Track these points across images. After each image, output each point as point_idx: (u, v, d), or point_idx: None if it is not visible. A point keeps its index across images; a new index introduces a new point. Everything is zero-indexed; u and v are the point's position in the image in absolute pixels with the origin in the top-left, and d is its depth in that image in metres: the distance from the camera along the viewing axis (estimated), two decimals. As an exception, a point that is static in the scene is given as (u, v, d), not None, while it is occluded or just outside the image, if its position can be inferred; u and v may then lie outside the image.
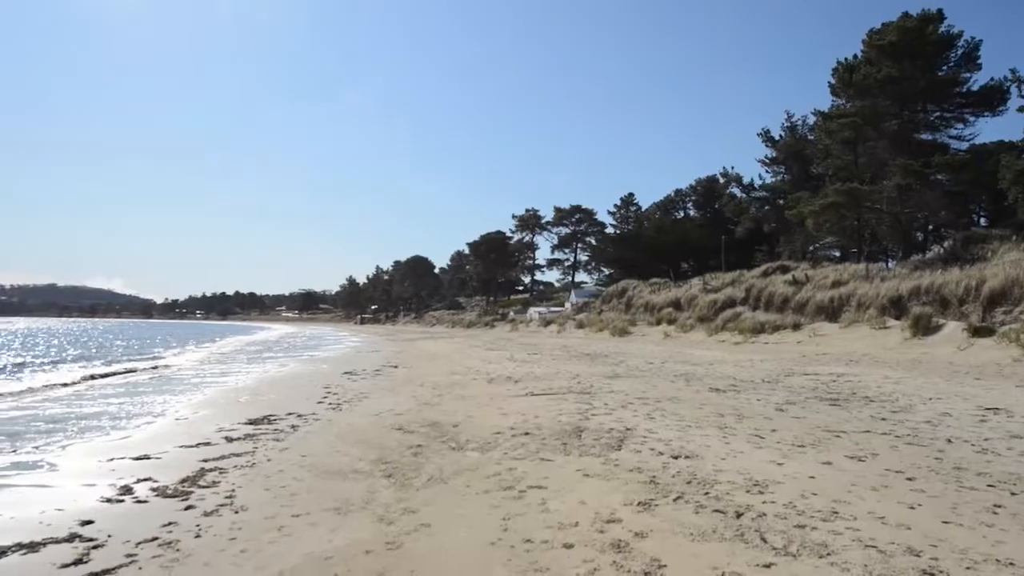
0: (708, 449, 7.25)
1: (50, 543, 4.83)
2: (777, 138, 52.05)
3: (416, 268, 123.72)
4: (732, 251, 49.41)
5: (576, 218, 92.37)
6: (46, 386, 17.30)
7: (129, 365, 25.18)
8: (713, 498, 5.39)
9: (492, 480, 6.20)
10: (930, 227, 37.76)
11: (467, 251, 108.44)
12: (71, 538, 4.93)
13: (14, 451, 8.50)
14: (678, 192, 72.97)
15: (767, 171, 54.43)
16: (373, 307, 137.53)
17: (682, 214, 71.93)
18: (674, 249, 58.73)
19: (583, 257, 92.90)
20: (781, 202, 49.06)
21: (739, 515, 4.95)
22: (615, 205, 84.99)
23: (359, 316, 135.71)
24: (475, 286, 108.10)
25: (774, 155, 52.53)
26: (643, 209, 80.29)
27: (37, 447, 8.78)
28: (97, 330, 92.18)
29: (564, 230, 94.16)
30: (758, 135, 52.45)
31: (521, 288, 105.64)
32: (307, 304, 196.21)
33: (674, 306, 40.39)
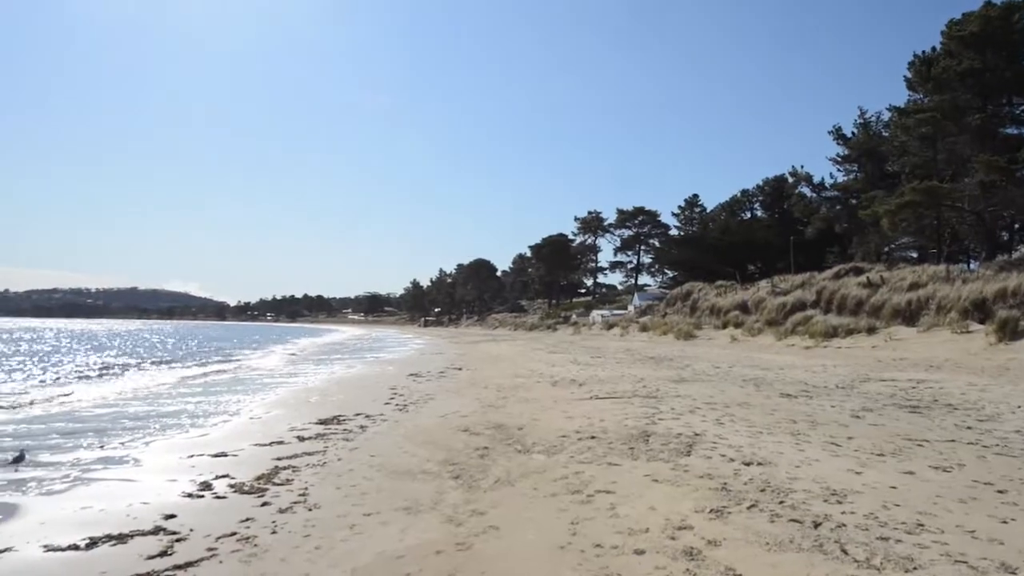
0: (781, 456, 7.04)
1: (137, 535, 5.04)
2: (849, 135, 50.33)
3: (479, 271, 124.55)
4: (801, 252, 48.00)
5: (639, 220, 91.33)
6: (134, 387, 18.12)
7: (207, 367, 26.16)
8: (789, 507, 5.23)
9: (559, 483, 6.17)
10: (1016, 225, 35.84)
11: (529, 254, 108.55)
12: (156, 531, 5.14)
13: (101, 447, 8.93)
14: (744, 192, 71.41)
15: (839, 170, 52.69)
16: (436, 310, 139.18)
17: (748, 215, 70.36)
18: (740, 251, 57.47)
19: (646, 259, 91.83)
20: (854, 201, 47.40)
21: (817, 525, 4.78)
22: (679, 206, 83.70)
23: (422, 318, 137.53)
24: (537, 289, 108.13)
25: (846, 153, 50.79)
26: (708, 210, 78.85)
27: (123, 443, 9.20)
28: (175, 331, 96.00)
29: (627, 232, 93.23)
30: (829, 133, 50.84)
31: (583, 291, 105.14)
32: (372, 307, 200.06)
33: (741, 309, 39.49)
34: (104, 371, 23.46)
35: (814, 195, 56.53)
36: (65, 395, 15.45)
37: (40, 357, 31.26)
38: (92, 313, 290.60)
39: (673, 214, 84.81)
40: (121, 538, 4.98)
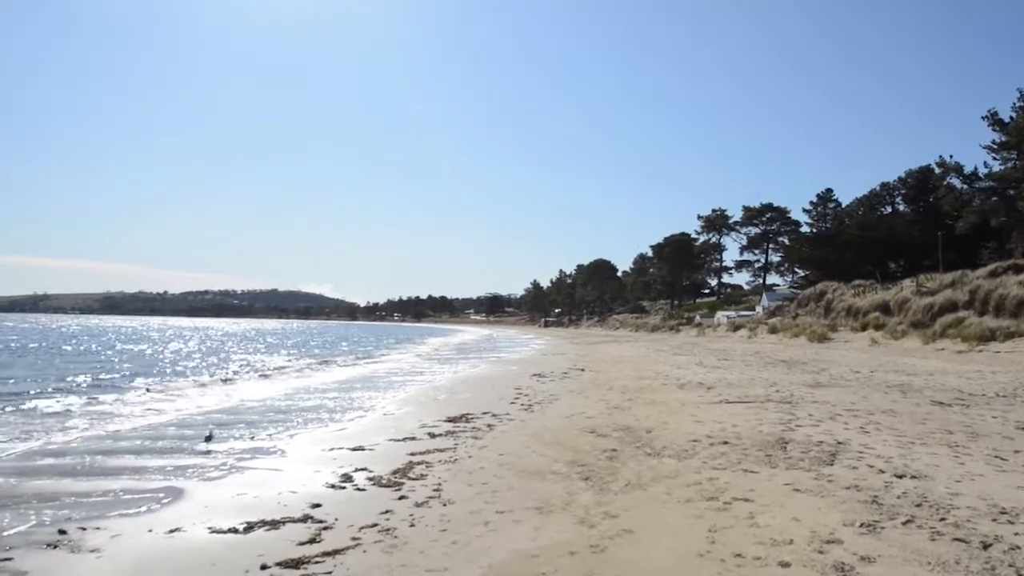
0: (938, 469, 6.51)
1: (288, 522, 5.36)
2: (1007, 120, 45.89)
3: (599, 271, 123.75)
4: (950, 249, 44.30)
5: (767, 217, 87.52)
6: (284, 383, 19.36)
7: (343, 364, 27.55)
8: (951, 525, 4.82)
9: (693, 489, 6.00)
10: None
11: (650, 253, 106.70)
12: (304, 519, 5.45)
13: (252, 438, 9.59)
14: (884, 186, 66.75)
15: (994, 158, 48.11)
16: (556, 310, 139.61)
17: (889, 209, 65.73)
18: (880, 248, 53.81)
19: (775, 258, 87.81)
20: (1012, 192, 43.20)
21: (986, 546, 4.37)
22: (811, 202, 79.35)
23: (543, 319, 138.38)
24: (659, 289, 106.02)
25: (1004, 139, 46.33)
26: (843, 205, 74.39)
27: (270, 435, 9.83)
28: (313, 331, 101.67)
29: (754, 230, 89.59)
30: (983, 118, 46.56)
31: (707, 291, 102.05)
32: (493, 307, 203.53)
33: (882, 310, 36.95)
34: (253, 368, 25.22)
35: (965, 186, 51.98)
36: (226, 391, 16.74)
37: (199, 356, 34.03)
38: (239, 313, 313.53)
39: (804, 210, 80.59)
40: (274, 524, 5.31)
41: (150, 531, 5.23)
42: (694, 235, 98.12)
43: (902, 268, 52.37)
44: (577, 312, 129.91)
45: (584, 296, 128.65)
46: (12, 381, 18.07)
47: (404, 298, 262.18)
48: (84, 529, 5.26)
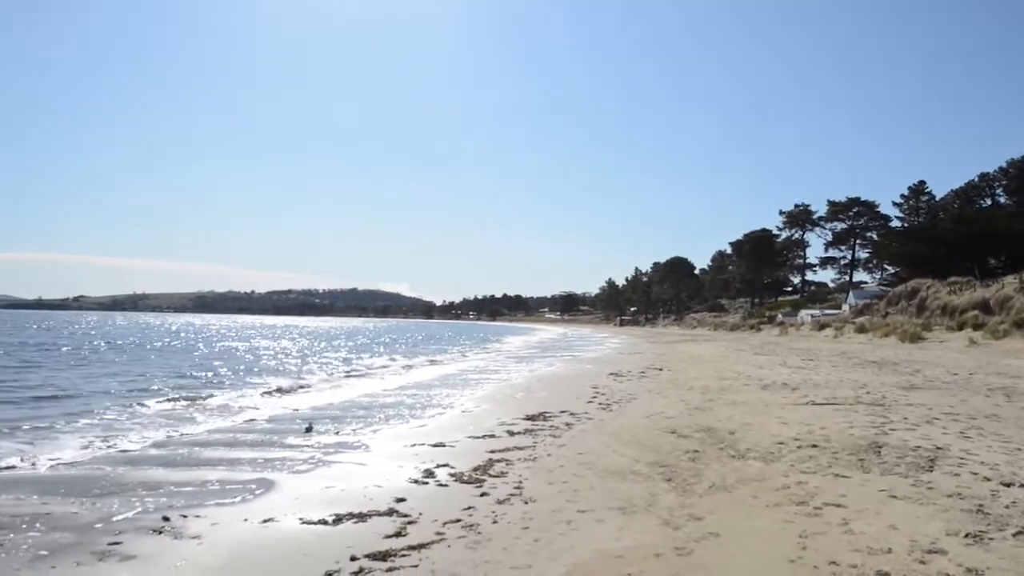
0: (1050, 478, 6.10)
1: (374, 515, 5.49)
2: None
3: (676, 269, 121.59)
4: (1059, 243, 41.37)
5: (854, 212, 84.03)
6: (364, 381, 19.89)
7: (421, 362, 28.07)
8: (1068, 538, 4.50)
9: (781, 493, 5.82)
10: None
11: (729, 251, 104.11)
12: (390, 513, 5.57)
13: (337, 433, 9.88)
14: (983, 177, 63.12)
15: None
16: (632, 309, 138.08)
17: (988, 202, 62.03)
18: (978, 243, 50.78)
19: (862, 254, 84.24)
20: None
21: (1109, 562, 4.07)
22: (901, 195, 75.92)
23: (618, 318, 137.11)
24: (738, 287, 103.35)
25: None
26: (937, 198, 70.71)
27: (354, 430, 10.11)
28: (393, 329, 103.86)
29: (840, 225, 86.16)
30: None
31: (789, 289, 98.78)
32: (568, 306, 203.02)
33: (981, 309, 34.92)
34: (335, 365, 26.01)
35: (1075, 176, 48.49)
36: (306, 387, 17.34)
37: (291, 354, 35.31)
38: (321, 311, 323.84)
39: (894, 204, 77.12)
40: (361, 517, 5.45)
41: (245, 520, 5.46)
42: (775, 231, 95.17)
43: (1004, 264, 49.27)
44: (653, 311, 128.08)
45: (660, 294, 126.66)
46: (133, 379, 19.21)
47: (479, 297, 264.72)
48: (185, 517, 5.53)
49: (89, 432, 9.84)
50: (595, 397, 13.79)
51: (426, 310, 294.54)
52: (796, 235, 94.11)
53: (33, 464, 7.66)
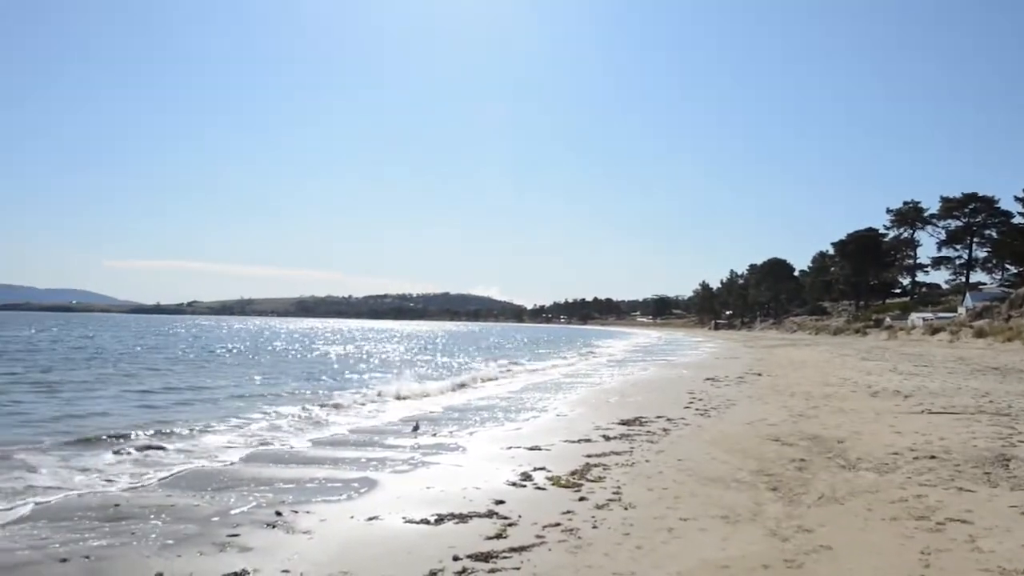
0: None
1: (475, 516, 5.56)
2: None
3: (773, 271, 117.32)
4: None
5: (970, 208, 78.52)
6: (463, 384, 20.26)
7: (515, 364, 28.30)
8: None
9: (898, 506, 5.51)
10: None
11: (831, 251, 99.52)
12: (489, 514, 5.62)
13: (434, 435, 10.08)
14: (1121, 167, 57.63)
15: None
16: (727, 312, 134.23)
17: None
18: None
19: (980, 254, 78.61)
20: None
21: None
22: (1024, 189, 70.37)
23: (713, 321, 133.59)
24: (841, 289, 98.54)
25: None
26: (1066, 192, 65.12)
27: (450, 432, 10.29)
28: (485, 333, 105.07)
29: (954, 223, 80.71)
30: None
31: (898, 291, 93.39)
32: (660, 309, 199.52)
33: (1120, 311, 31.97)
34: (434, 369, 26.60)
35: None
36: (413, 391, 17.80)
37: (391, 359, 36.39)
38: (415, 315, 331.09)
39: (1017, 199, 71.53)
40: (462, 518, 5.53)
41: (352, 518, 5.64)
42: (882, 230, 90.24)
43: None
44: (750, 314, 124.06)
45: (757, 297, 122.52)
46: (259, 381, 20.30)
47: (569, 300, 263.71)
48: (296, 512, 5.77)
49: (226, 432, 10.41)
50: (692, 402, 13.50)
51: (517, 314, 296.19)
52: (905, 234, 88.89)
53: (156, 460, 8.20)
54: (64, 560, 4.64)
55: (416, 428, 10.53)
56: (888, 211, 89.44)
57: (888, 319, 65.80)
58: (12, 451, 8.31)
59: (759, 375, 20.46)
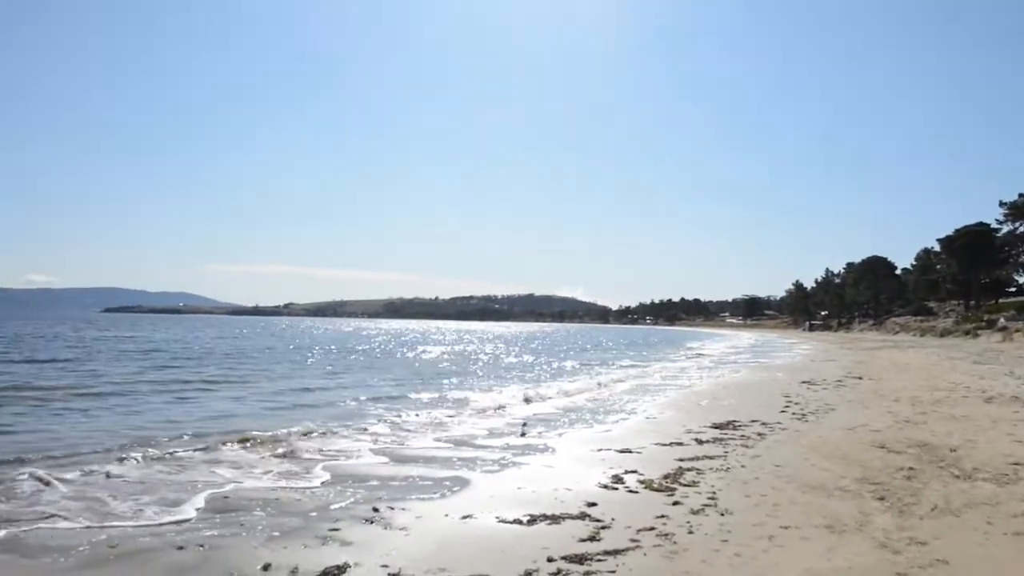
0: None
1: (567, 518, 5.55)
2: None
3: (873, 269, 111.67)
4: None
5: (1096, 199, 72.54)
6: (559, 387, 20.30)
7: (603, 366, 28.10)
8: None
9: (1021, 520, 5.14)
10: None
11: (937, 248, 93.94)
12: (582, 516, 5.60)
13: (523, 435, 10.12)
14: None
15: None
16: (823, 313, 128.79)
17: None
18: None
19: (1109, 248, 72.39)
20: None
21: None
22: None
23: (807, 322, 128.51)
24: (949, 288, 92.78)
25: None
26: None
27: (539, 433, 10.30)
28: (571, 334, 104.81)
29: (1077, 216, 74.74)
30: None
31: (1013, 290, 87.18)
32: (751, 310, 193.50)
33: None
34: (523, 370, 26.75)
35: None
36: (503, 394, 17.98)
37: (479, 359, 36.89)
38: (500, 317, 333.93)
39: None
40: (555, 519, 5.53)
41: (446, 516, 5.73)
42: (995, 224, 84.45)
43: None
44: (847, 314, 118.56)
45: (855, 297, 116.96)
46: (380, 384, 21.03)
47: (656, 301, 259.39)
48: (392, 509, 5.91)
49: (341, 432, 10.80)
50: (788, 406, 13.03)
51: (602, 315, 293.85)
52: (1021, 228, 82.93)
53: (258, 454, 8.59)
54: (180, 548, 4.92)
55: (525, 426, 10.82)
56: (1001, 204, 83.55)
57: (1002, 320, 61.47)
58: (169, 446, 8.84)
59: (859, 379, 19.54)
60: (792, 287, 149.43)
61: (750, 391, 16.70)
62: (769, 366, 28.08)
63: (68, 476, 7.05)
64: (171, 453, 8.37)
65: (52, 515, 5.70)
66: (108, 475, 7.17)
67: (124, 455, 8.12)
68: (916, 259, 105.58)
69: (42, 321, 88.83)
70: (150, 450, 8.45)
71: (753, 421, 11.05)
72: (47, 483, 6.73)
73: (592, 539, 5.00)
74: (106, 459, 7.94)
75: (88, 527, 5.42)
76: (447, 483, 7.00)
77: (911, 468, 7.14)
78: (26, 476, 7.00)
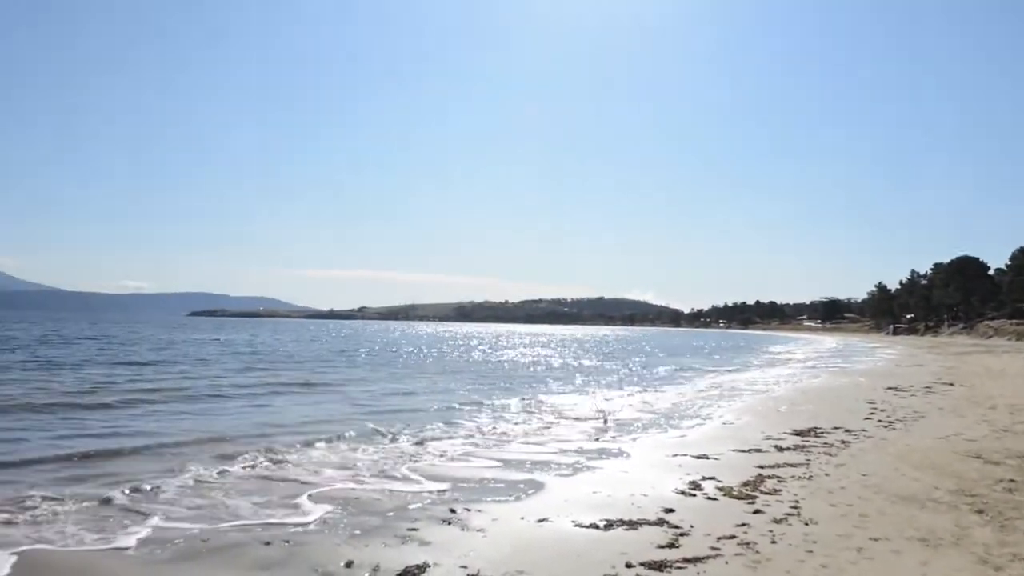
0: None
1: (644, 524, 5.48)
2: None
3: (963, 270, 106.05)
4: None
5: None
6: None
7: (676, 370, 27.69)
8: None
9: None
10: None
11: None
12: (659, 522, 5.52)
13: (596, 439, 10.06)
14: None
15: None
16: (908, 316, 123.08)
17: None
18: None
19: None
20: None
21: None
22: None
23: (890, 325, 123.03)
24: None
25: None
26: None
27: (613, 437, 10.21)
28: (643, 338, 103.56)
29: None
30: None
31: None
32: (829, 313, 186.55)
33: None
34: (597, 375, 26.60)
35: None
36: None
37: (551, 364, 36.92)
38: (569, 320, 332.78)
39: None
40: (632, 524, 5.47)
41: (522, 518, 5.75)
42: (1099, 221, 78.91)
43: None
44: (934, 317, 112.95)
45: (943, 299, 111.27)
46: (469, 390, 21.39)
47: (729, 304, 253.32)
48: (468, 511, 5.97)
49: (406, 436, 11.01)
50: (873, 413, 12.53)
51: (673, 318, 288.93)
52: None
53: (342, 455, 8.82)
54: (267, 543, 5.10)
55: (604, 429, 10.90)
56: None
57: (1109, 323, 57.38)
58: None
59: (950, 385, 18.60)
60: (874, 289, 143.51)
61: (831, 397, 16.13)
62: (851, 371, 27.06)
63: (190, 471, 7.48)
64: (267, 452, 8.69)
65: (148, 514, 5.98)
66: (221, 473, 7.52)
67: (223, 455, 8.51)
68: (1012, 259, 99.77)
69: (149, 324, 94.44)
70: (240, 450, 8.81)
71: (836, 428, 10.67)
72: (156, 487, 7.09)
73: (671, 546, 4.92)
74: (209, 460, 8.25)
75: (193, 524, 5.63)
76: (521, 486, 7.01)
77: (1012, 480, 6.75)
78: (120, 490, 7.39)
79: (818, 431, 10.43)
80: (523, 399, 15.70)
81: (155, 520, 5.69)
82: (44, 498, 6.24)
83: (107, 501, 6.26)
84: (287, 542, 5.12)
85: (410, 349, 44.27)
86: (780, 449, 8.92)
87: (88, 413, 12.03)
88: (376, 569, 4.53)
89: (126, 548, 5.06)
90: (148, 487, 6.78)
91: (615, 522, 5.53)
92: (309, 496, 6.53)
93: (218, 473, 7.51)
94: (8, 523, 5.55)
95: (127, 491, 6.62)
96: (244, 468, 7.81)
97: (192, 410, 12.98)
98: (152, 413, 12.40)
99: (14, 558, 4.77)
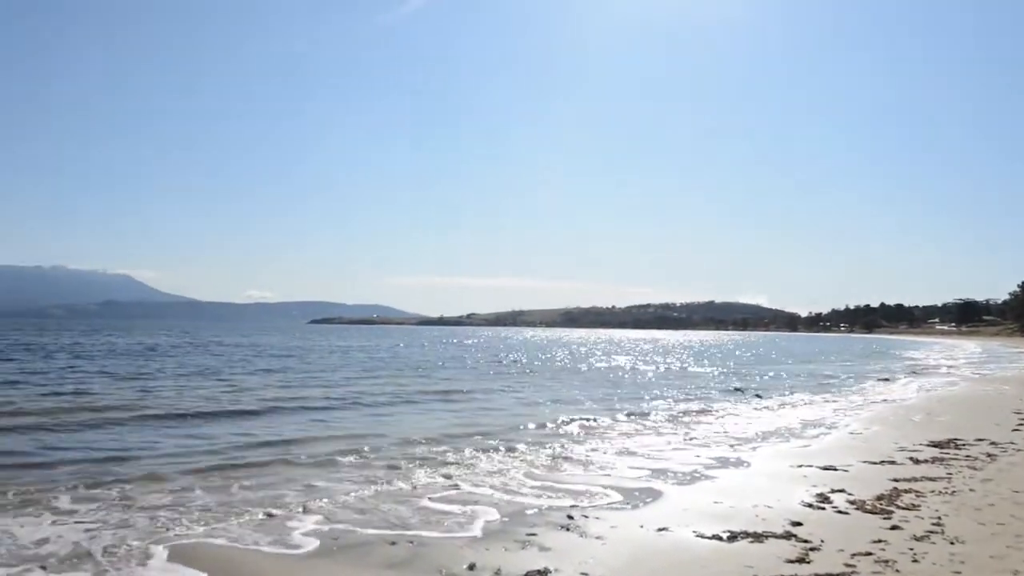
0: None
1: (770, 537, 5.27)
2: None
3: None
4: None
5: None
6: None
7: (798, 376, 26.49)
8: None
9: None
10: None
11: None
12: (787, 536, 5.29)
13: (707, 447, 9.78)
14: None
15: None
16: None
17: None
18: None
19: None
20: None
21: None
22: None
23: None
24: None
25: None
26: None
27: (732, 446, 9.89)
28: (758, 343, 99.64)
29: None
30: None
31: None
32: (964, 315, 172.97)
33: None
34: (717, 384, 25.92)
35: None
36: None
37: (670, 372, 36.33)
38: (678, 325, 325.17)
39: None
40: (757, 537, 5.27)
41: (641, 527, 5.66)
42: None
43: None
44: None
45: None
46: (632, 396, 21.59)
47: (851, 307, 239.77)
48: (586, 517, 5.94)
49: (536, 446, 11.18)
50: (1022, 424, 11.52)
51: (789, 322, 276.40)
52: None
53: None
54: (393, 543, 5.27)
55: (725, 439, 10.52)
56: None
57: None
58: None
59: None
60: (1017, 288, 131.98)
61: (971, 406, 14.99)
62: (991, 378, 25.05)
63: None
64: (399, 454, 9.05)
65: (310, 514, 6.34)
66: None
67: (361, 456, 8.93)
68: None
69: (282, 332, 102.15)
70: (369, 452, 9.19)
71: (980, 440, 9.91)
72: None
73: (801, 561, 4.71)
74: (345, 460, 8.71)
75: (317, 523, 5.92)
76: (637, 493, 6.92)
77: None
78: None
79: (959, 443, 9.72)
80: (635, 405, 15.44)
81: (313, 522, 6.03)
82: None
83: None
84: (411, 543, 5.27)
85: (527, 356, 44.36)
86: (916, 461, 8.37)
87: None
88: (498, 572, 4.58)
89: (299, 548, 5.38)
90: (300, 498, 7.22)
91: (739, 534, 5.35)
92: (429, 496, 6.71)
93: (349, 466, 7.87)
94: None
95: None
96: (381, 468, 8.15)
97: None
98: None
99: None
